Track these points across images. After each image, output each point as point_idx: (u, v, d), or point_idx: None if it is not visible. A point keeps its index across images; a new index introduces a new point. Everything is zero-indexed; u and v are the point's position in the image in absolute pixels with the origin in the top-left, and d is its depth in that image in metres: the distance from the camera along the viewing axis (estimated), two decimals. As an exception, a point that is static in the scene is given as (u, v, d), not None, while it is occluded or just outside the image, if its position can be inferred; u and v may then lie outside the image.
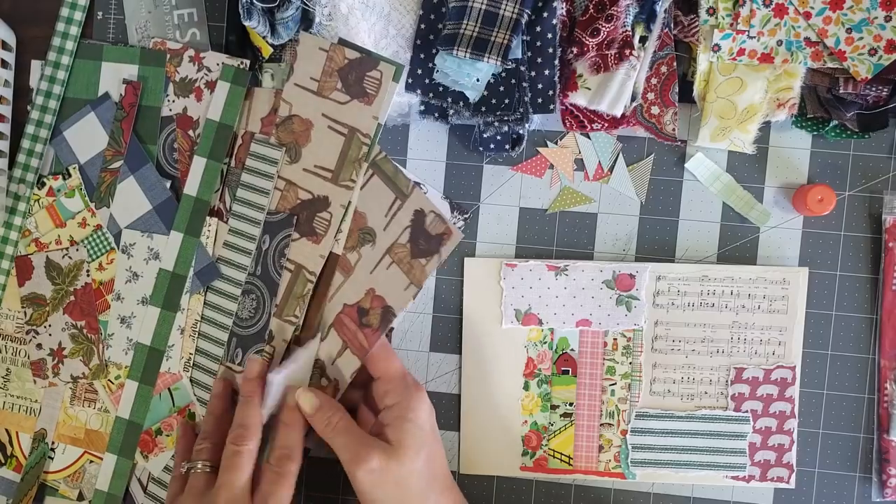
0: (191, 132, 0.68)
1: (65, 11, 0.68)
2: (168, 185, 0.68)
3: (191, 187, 0.67)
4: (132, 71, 0.68)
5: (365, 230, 0.62)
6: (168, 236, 0.67)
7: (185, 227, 0.67)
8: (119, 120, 0.68)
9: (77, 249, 0.69)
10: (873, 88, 0.61)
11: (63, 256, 0.69)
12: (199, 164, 0.67)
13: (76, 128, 0.69)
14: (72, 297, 0.69)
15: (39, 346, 0.70)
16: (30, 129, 0.69)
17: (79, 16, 0.68)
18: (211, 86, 0.67)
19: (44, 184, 0.69)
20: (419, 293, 0.61)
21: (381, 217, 0.62)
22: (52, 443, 0.70)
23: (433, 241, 0.60)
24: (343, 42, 0.62)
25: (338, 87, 0.62)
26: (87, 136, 0.69)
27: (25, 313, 0.70)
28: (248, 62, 0.66)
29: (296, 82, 0.63)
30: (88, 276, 0.69)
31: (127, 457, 0.68)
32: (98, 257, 0.69)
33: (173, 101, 0.68)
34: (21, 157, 0.69)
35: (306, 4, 0.62)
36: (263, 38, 0.62)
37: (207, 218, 0.67)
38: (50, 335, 0.70)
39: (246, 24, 0.60)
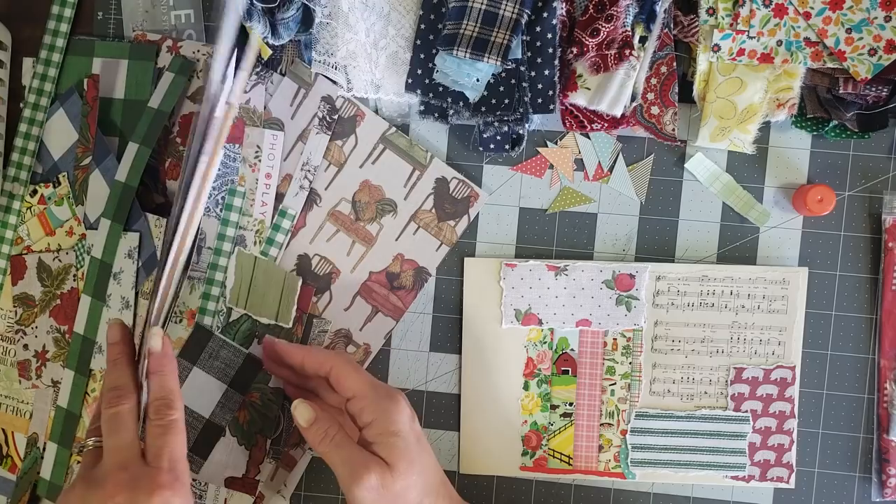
0: None
1: (55, 9, 0.68)
2: None
3: (121, 173, 0.65)
4: (122, 66, 0.67)
5: (384, 202, 0.67)
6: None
7: (113, 214, 0.65)
8: (85, 115, 0.67)
9: (67, 254, 0.68)
10: (873, 88, 0.61)
11: (53, 259, 0.69)
12: (131, 150, 0.65)
13: (48, 125, 0.68)
14: (58, 301, 0.68)
15: (26, 346, 0.69)
16: (23, 127, 0.68)
17: (68, 13, 0.67)
18: None
19: (35, 191, 0.69)
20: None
21: (399, 188, 0.67)
22: (43, 445, 0.69)
23: (459, 203, 0.66)
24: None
25: None
26: (59, 134, 0.68)
27: (16, 313, 0.69)
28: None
29: None
30: (75, 280, 0.68)
31: (66, 446, 0.67)
32: (82, 267, 0.68)
33: None
34: (14, 156, 0.68)
35: (308, 3, 0.61)
36: (263, 38, 0.62)
37: None
38: (36, 337, 0.69)
39: (246, 24, 0.60)
